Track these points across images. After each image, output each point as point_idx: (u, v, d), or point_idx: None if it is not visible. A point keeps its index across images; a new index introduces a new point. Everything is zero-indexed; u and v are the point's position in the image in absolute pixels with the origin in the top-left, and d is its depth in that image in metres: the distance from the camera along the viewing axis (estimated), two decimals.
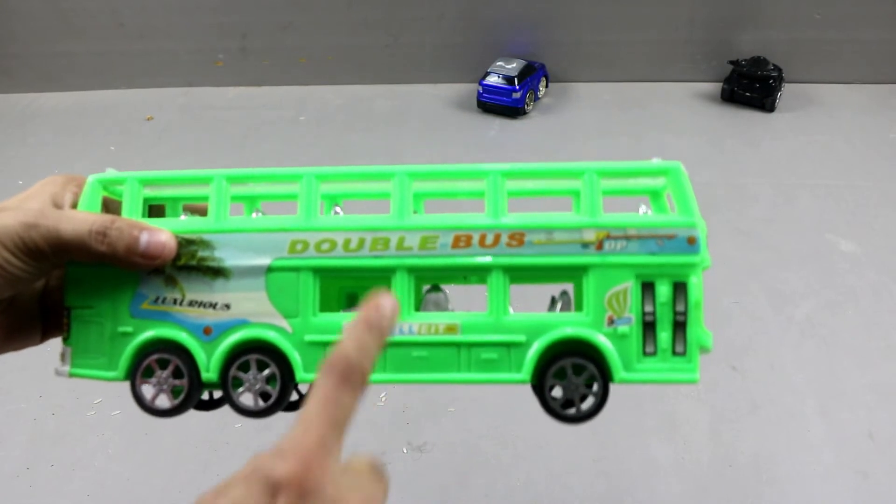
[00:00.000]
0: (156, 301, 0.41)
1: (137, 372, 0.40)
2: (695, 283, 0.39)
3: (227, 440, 0.93)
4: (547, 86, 1.73)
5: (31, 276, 0.38)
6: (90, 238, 0.38)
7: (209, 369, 0.40)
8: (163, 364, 0.41)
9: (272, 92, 1.77)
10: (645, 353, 0.39)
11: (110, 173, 0.42)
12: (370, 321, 0.33)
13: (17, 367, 1.01)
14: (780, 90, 1.63)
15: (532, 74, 1.65)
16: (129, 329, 0.41)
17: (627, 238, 0.39)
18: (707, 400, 0.98)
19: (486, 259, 0.40)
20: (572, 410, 0.40)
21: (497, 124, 1.62)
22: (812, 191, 1.39)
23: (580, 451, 0.92)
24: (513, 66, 1.63)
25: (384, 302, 0.34)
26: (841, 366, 1.03)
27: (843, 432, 0.94)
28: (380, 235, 0.40)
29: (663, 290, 0.39)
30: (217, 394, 0.44)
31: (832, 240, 1.26)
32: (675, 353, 0.39)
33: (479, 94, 1.64)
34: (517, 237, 0.40)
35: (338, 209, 0.44)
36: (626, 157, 1.62)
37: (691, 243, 0.39)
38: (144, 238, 0.39)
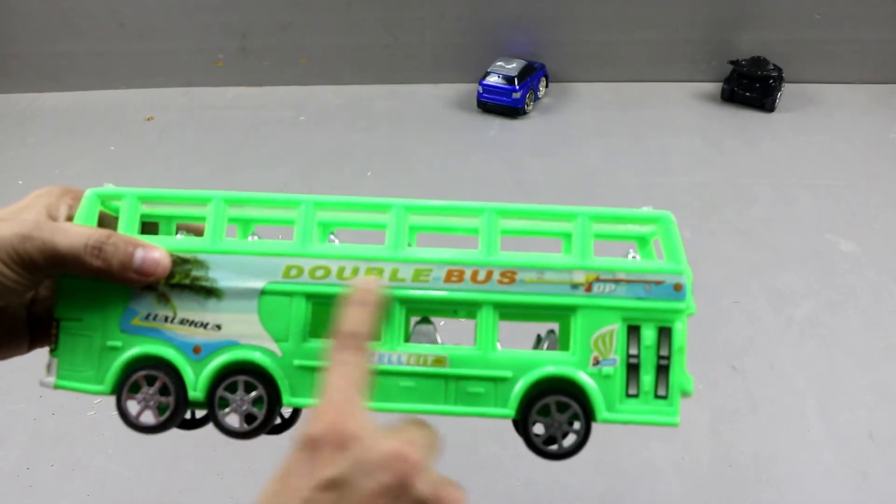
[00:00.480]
0: (147, 318, 0.41)
1: (124, 387, 0.41)
2: (679, 328, 0.40)
3: (227, 440, 0.93)
4: (547, 86, 1.73)
5: (24, 287, 0.38)
6: (85, 252, 0.38)
7: (196, 388, 0.41)
8: (150, 380, 0.41)
9: (272, 92, 1.77)
10: (628, 395, 0.41)
11: (109, 188, 0.42)
12: (356, 299, 0.38)
13: (17, 367, 1.00)
14: (780, 90, 1.63)
15: (532, 74, 1.65)
16: (118, 344, 0.41)
17: (616, 281, 0.41)
18: (707, 400, 0.98)
19: (477, 295, 0.41)
20: (554, 447, 0.41)
21: (497, 124, 1.62)
22: (812, 191, 1.39)
23: (580, 451, 0.92)
24: (513, 66, 1.63)
25: (363, 282, 0.39)
26: (841, 366, 1.03)
27: (843, 432, 0.94)
28: (374, 265, 0.41)
29: (648, 334, 0.40)
30: (200, 413, 0.44)
31: (832, 240, 1.26)
32: (657, 395, 0.41)
33: (479, 94, 1.64)
34: (509, 275, 0.41)
35: (333, 238, 0.45)
36: (625, 157, 1.62)
37: (678, 290, 0.40)
38: (139, 255, 0.39)
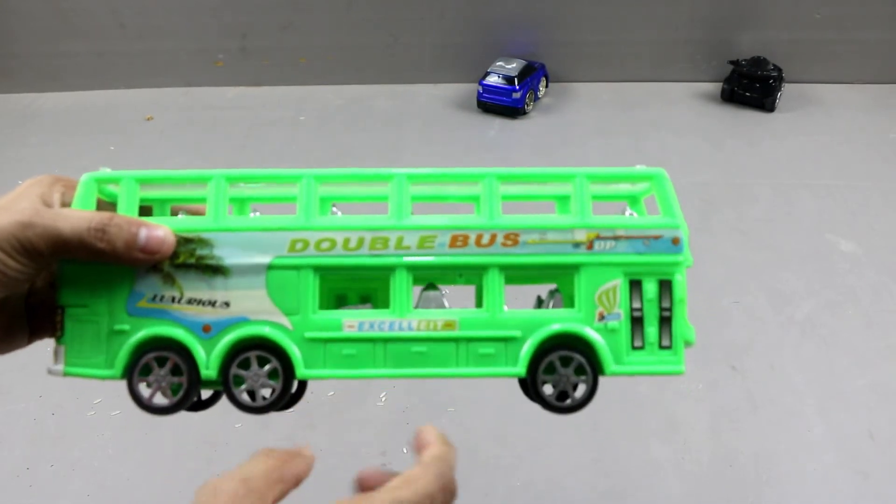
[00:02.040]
0: (153, 299, 0.41)
1: (135, 370, 0.41)
2: (679, 280, 0.42)
3: (227, 440, 0.93)
4: (547, 86, 1.73)
5: (26, 276, 0.38)
6: (89, 235, 0.38)
7: (209, 366, 0.41)
8: (161, 362, 0.41)
9: (272, 92, 1.77)
10: (633, 347, 0.42)
11: (105, 171, 0.42)
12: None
13: (17, 366, 1.01)
14: (780, 90, 1.63)
15: (532, 74, 1.65)
16: (125, 327, 0.41)
17: (616, 238, 0.42)
18: (707, 400, 0.98)
19: (483, 258, 0.42)
20: (567, 401, 0.42)
21: (497, 124, 1.62)
22: (812, 191, 1.39)
23: (580, 451, 0.92)
24: (513, 66, 1.63)
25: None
26: (841, 366, 1.03)
27: (843, 432, 0.94)
28: (379, 235, 0.41)
29: (650, 288, 0.42)
30: (206, 394, 0.44)
31: (832, 240, 1.26)
32: (661, 346, 0.42)
33: (479, 94, 1.64)
34: (512, 237, 0.42)
35: (336, 210, 0.45)
36: (625, 157, 1.63)
37: (675, 243, 0.42)
38: (143, 233, 0.39)
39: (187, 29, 1.74)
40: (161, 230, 0.39)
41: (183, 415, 0.42)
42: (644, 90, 1.73)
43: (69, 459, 0.92)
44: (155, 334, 0.41)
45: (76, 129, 1.65)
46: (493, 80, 1.62)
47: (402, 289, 0.41)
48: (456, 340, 0.42)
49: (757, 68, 1.61)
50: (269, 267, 0.41)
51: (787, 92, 1.67)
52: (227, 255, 0.41)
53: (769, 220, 1.31)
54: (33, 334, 0.44)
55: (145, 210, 0.45)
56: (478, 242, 0.42)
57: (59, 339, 0.41)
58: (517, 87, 1.60)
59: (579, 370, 0.41)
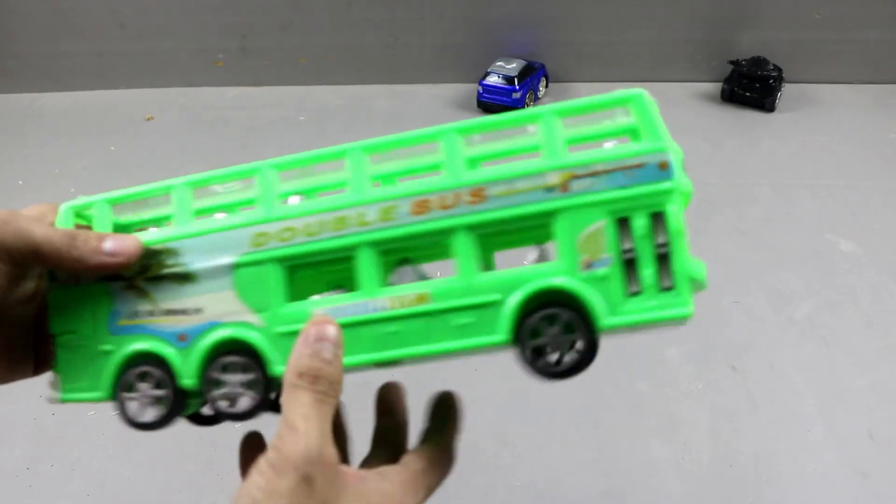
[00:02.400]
0: (131, 316, 0.41)
1: (121, 389, 0.41)
2: (673, 210, 0.36)
3: (227, 440, 0.93)
4: (547, 86, 1.73)
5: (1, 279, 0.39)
6: (60, 242, 0.38)
7: (186, 376, 0.40)
8: (143, 377, 0.41)
9: (272, 92, 1.77)
10: (630, 294, 0.36)
11: (80, 200, 0.43)
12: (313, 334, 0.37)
13: None
14: (780, 90, 1.63)
15: (532, 74, 1.65)
16: (108, 347, 0.41)
17: (594, 175, 0.37)
18: (707, 400, 0.98)
19: (448, 221, 0.38)
20: (560, 366, 0.37)
21: None
22: (812, 191, 1.39)
23: (580, 451, 0.92)
24: (513, 66, 1.63)
25: (320, 316, 0.38)
26: (841, 366, 1.03)
27: (843, 432, 0.94)
28: (339, 214, 0.39)
29: (640, 223, 0.36)
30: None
31: (832, 240, 1.26)
32: (662, 288, 0.36)
33: (479, 94, 1.64)
34: (478, 193, 0.38)
35: (295, 198, 0.43)
36: None
37: (663, 168, 0.36)
38: (108, 238, 0.40)
39: (187, 29, 1.74)
40: (127, 237, 0.40)
41: (170, 426, 0.42)
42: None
43: (69, 459, 0.92)
44: (134, 350, 0.41)
45: (76, 129, 1.65)
46: (493, 80, 1.62)
47: (369, 267, 0.39)
48: (430, 314, 0.38)
49: (757, 68, 1.61)
50: (235, 266, 0.40)
51: (787, 92, 1.67)
52: (193, 261, 0.40)
53: (769, 220, 1.31)
54: (38, 367, 0.45)
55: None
56: (441, 205, 0.38)
57: (54, 368, 0.42)
58: (517, 88, 1.60)
59: (569, 328, 0.36)
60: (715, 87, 1.70)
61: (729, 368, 1.03)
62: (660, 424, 0.95)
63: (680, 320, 0.36)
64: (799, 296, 1.15)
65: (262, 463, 0.33)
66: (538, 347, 0.37)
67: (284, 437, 0.34)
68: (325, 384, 0.36)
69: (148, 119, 1.67)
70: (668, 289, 0.36)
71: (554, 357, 0.37)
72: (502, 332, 0.37)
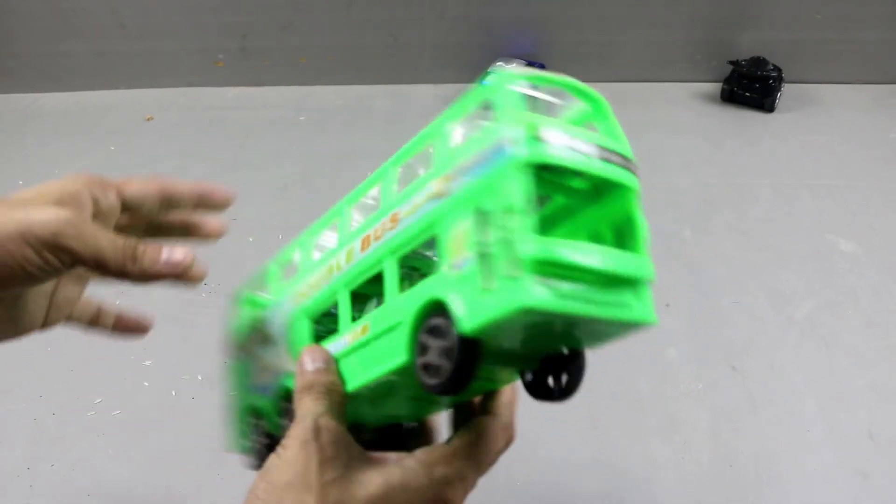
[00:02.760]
0: (254, 376, 0.51)
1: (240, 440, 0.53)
2: (511, 185, 0.31)
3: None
4: None
5: (49, 276, 0.41)
6: (124, 253, 0.41)
7: (275, 426, 0.49)
8: (255, 428, 0.51)
9: (272, 92, 1.77)
10: (486, 290, 0.31)
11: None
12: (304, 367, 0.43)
13: (17, 367, 1.00)
14: (780, 90, 1.63)
15: None
16: (244, 404, 0.53)
17: (462, 171, 0.34)
18: (707, 400, 0.98)
19: (378, 250, 0.40)
20: (435, 380, 0.34)
21: None
22: (812, 191, 1.38)
23: (580, 451, 0.92)
24: (513, 67, 1.63)
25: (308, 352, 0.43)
26: (841, 366, 1.03)
27: (843, 432, 0.94)
28: (328, 265, 0.44)
29: (492, 210, 0.32)
30: None
31: (832, 240, 1.26)
32: (512, 277, 0.30)
33: None
34: (394, 218, 0.38)
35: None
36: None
37: (513, 145, 0.32)
38: (166, 252, 0.43)
39: (187, 29, 1.73)
40: (181, 250, 0.43)
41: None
42: (643, 90, 1.73)
43: (69, 459, 0.92)
44: (246, 405, 0.52)
45: (76, 130, 1.65)
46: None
47: (343, 307, 0.43)
48: (368, 343, 0.39)
49: (757, 68, 1.61)
50: (287, 325, 0.47)
51: (787, 92, 1.67)
52: (272, 326, 0.49)
53: (769, 220, 1.31)
54: (47, 324, 0.48)
55: None
56: (375, 236, 0.40)
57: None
58: None
59: (438, 337, 0.34)
60: (715, 87, 1.70)
61: (729, 368, 1.03)
62: (660, 424, 0.95)
63: (524, 312, 0.30)
64: (799, 296, 1.15)
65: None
66: (426, 364, 0.34)
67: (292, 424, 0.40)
68: (320, 388, 0.40)
69: (148, 119, 1.67)
70: (514, 277, 0.30)
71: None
72: (401, 353, 0.36)
